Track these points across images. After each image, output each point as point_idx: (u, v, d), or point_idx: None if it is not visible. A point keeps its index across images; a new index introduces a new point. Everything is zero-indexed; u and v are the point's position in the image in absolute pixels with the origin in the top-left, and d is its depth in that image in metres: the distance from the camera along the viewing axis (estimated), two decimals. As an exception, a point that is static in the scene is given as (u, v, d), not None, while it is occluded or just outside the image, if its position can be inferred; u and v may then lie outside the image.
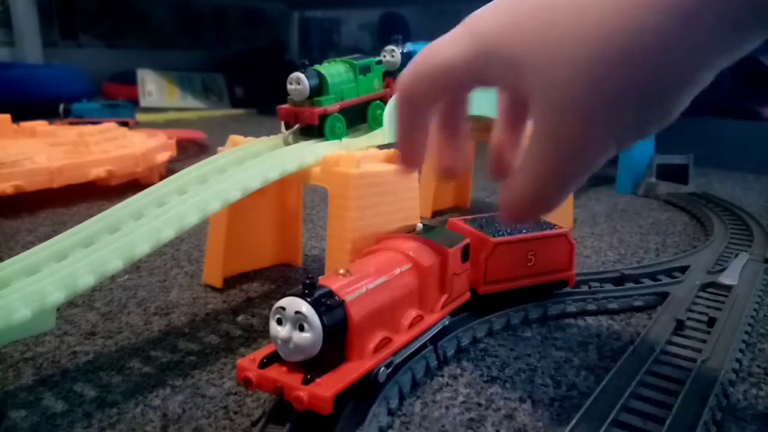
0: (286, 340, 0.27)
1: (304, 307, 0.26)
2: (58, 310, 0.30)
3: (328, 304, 0.27)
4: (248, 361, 0.28)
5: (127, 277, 0.49)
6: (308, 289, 0.27)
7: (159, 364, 0.36)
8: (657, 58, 0.19)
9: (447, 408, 0.31)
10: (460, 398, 0.32)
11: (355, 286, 0.29)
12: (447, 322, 0.35)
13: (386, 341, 0.30)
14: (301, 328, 0.26)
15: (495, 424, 0.30)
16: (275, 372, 0.27)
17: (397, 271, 0.31)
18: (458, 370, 0.35)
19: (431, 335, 0.34)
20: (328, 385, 0.26)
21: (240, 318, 0.42)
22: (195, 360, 0.36)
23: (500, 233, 0.40)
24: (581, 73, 0.20)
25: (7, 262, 0.32)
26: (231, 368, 0.35)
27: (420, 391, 0.33)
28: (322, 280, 0.28)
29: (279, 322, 0.27)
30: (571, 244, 0.42)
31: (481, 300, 0.40)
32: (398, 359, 0.31)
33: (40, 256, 0.32)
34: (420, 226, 0.37)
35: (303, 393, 0.26)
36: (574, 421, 0.28)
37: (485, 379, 0.34)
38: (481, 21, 0.23)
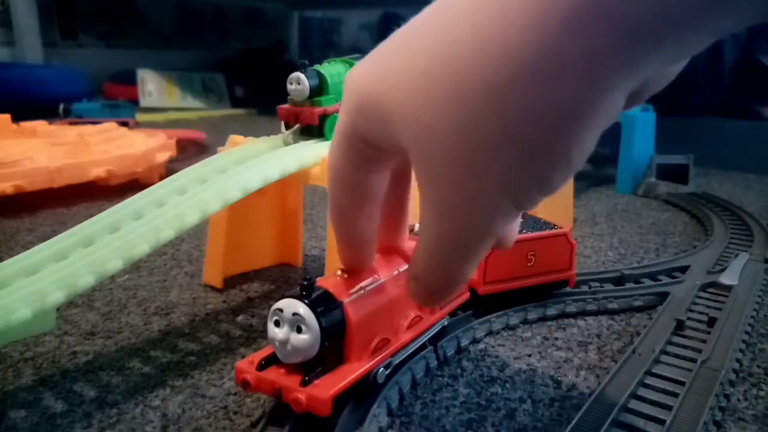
0: (284, 342, 0.26)
1: (302, 308, 0.26)
2: (57, 310, 0.30)
3: (326, 306, 0.27)
4: (246, 363, 0.27)
5: (127, 277, 0.49)
6: (306, 291, 0.27)
7: (159, 364, 0.36)
8: (534, 87, 0.15)
9: (447, 408, 0.31)
10: (460, 398, 0.32)
11: (353, 287, 0.28)
12: (446, 323, 0.35)
13: (385, 342, 0.30)
14: (299, 330, 0.26)
15: (495, 425, 0.30)
16: (273, 374, 0.27)
17: (396, 271, 0.31)
18: (458, 370, 0.35)
19: (430, 336, 0.34)
20: (327, 387, 0.26)
21: (240, 318, 0.42)
22: (195, 360, 0.36)
23: None
24: (446, 114, 0.16)
25: (6, 262, 0.32)
26: (231, 368, 0.35)
27: (420, 392, 0.33)
28: (320, 281, 0.28)
29: (277, 323, 0.27)
30: (572, 244, 0.42)
31: (482, 301, 0.40)
32: (397, 360, 0.31)
33: (40, 256, 0.32)
34: (417, 225, 0.37)
35: (301, 395, 0.26)
36: (574, 422, 0.28)
37: (485, 379, 0.34)
38: (353, 75, 0.20)
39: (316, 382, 0.26)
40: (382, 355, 0.29)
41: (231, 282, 0.48)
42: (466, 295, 0.38)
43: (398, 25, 0.20)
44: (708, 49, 0.16)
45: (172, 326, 0.41)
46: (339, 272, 0.29)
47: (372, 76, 0.19)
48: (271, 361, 0.28)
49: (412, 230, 0.36)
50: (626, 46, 0.14)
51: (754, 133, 1.47)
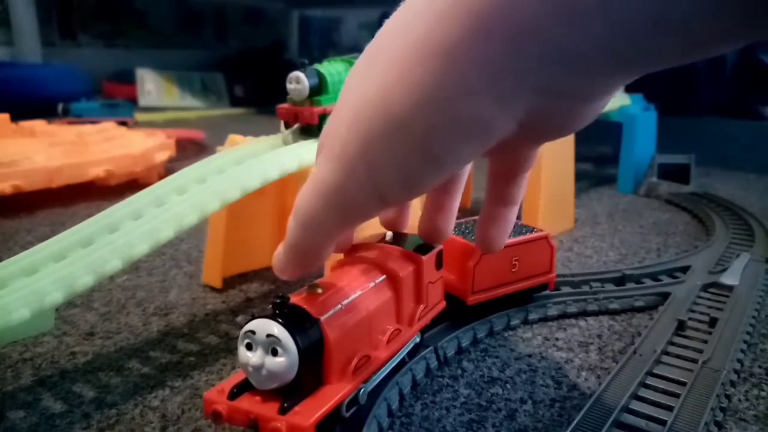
0: (258, 367, 0.24)
1: (277, 328, 0.24)
2: (56, 310, 0.30)
3: (302, 325, 0.25)
4: (216, 393, 0.25)
5: (126, 277, 0.49)
6: (279, 309, 0.24)
7: (158, 364, 0.35)
8: (413, 109, 0.17)
9: (447, 409, 0.31)
10: (461, 399, 0.32)
11: (329, 302, 0.26)
12: (418, 340, 0.34)
13: (366, 360, 0.28)
14: (275, 353, 0.24)
15: (496, 425, 0.30)
16: (247, 402, 0.24)
17: (372, 283, 0.29)
18: (459, 371, 0.35)
19: (406, 352, 0.32)
20: (308, 414, 0.24)
21: (239, 318, 0.42)
22: (194, 361, 0.36)
23: None
24: (341, 109, 0.20)
25: (5, 262, 0.31)
26: (230, 369, 0.35)
27: (420, 392, 0.33)
28: (293, 297, 0.26)
29: (249, 347, 0.24)
30: (552, 247, 0.41)
31: (470, 311, 0.39)
32: (370, 387, 0.28)
33: (38, 257, 0.32)
34: (389, 233, 0.35)
35: (280, 424, 0.23)
36: (575, 423, 0.28)
37: (486, 379, 0.34)
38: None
39: (295, 408, 0.24)
40: (364, 374, 0.27)
41: (230, 282, 0.48)
42: (443, 304, 0.36)
43: None
44: None
45: (172, 327, 0.40)
46: (313, 286, 0.27)
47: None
48: (244, 387, 0.25)
49: (383, 239, 0.34)
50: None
51: (755, 133, 1.47)
